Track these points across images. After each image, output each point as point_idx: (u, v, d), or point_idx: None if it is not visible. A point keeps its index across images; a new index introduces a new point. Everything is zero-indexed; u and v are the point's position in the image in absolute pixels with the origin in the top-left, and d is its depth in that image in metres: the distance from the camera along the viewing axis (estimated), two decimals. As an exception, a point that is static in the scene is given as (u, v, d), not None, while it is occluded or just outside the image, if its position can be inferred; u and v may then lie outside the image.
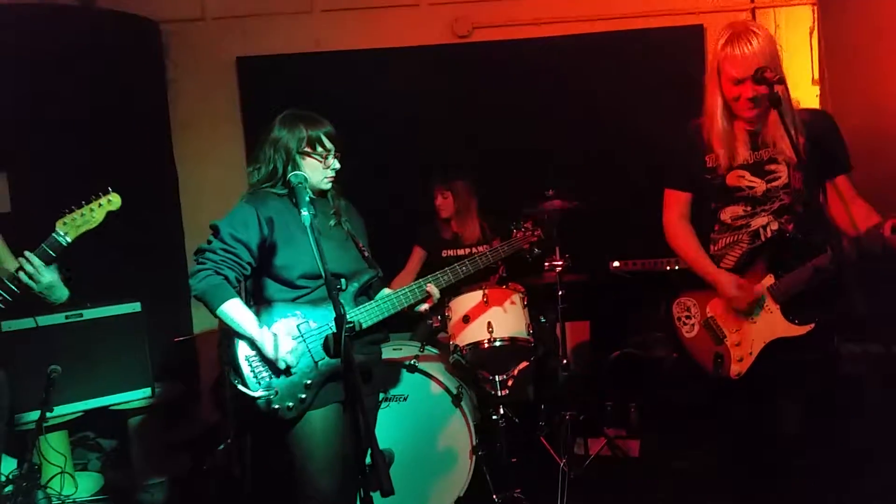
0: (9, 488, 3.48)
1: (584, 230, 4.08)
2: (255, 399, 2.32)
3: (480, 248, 4.07)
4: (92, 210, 2.44)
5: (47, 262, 2.38)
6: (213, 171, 4.88)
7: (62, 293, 2.51)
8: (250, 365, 2.35)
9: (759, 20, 4.60)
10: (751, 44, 2.31)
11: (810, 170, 2.36)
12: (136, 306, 3.82)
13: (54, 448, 3.72)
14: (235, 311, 2.35)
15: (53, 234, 2.38)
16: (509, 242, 2.97)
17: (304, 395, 2.36)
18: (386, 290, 2.62)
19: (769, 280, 2.47)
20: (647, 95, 4.51)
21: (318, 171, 2.46)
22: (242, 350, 2.36)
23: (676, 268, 4.00)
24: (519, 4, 4.84)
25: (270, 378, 2.35)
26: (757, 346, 2.46)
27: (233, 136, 4.90)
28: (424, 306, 2.60)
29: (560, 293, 3.69)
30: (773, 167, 2.45)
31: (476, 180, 4.24)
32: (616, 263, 4.23)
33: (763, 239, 2.49)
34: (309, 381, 2.37)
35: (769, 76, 2.26)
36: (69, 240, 2.40)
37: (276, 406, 2.32)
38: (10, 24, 4.13)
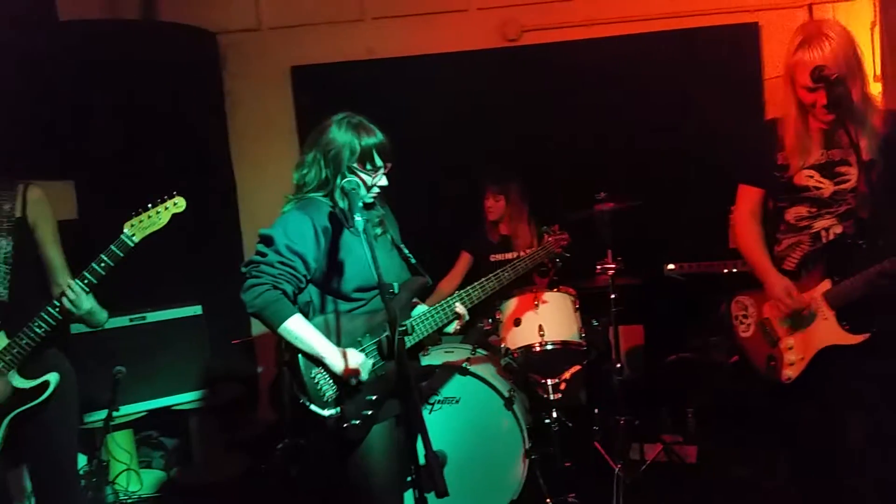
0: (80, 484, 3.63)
1: (638, 232, 4.04)
2: (323, 418, 2.24)
3: (529, 251, 4.07)
4: (158, 212, 2.49)
5: (115, 262, 2.45)
6: (269, 178, 4.97)
7: (102, 317, 2.57)
8: (316, 382, 2.26)
9: (815, 16, 4.48)
10: (822, 49, 2.25)
11: (883, 174, 2.29)
12: (196, 309, 3.93)
13: (121, 446, 3.85)
14: (300, 327, 2.24)
15: (121, 236, 2.45)
16: (542, 247, 3.02)
17: (369, 412, 2.28)
18: (421, 308, 2.51)
19: (826, 285, 2.39)
20: (702, 95, 4.45)
21: (362, 188, 2.34)
22: (307, 367, 2.26)
23: (734, 270, 3.93)
24: (569, 6, 4.82)
25: (336, 396, 2.27)
26: (809, 351, 2.39)
27: (288, 144, 5.00)
28: (455, 326, 2.51)
29: (613, 296, 3.66)
30: (843, 169, 2.39)
31: (527, 184, 4.24)
32: (671, 266, 4.16)
33: (824, 241, 2.42)
34: (374, 397, 2.29)
35: (827, 75, 2.21)
36: (136, 240, 2.46)
37: (345, 425, 2.25)
38: (76, 39, 4.30)
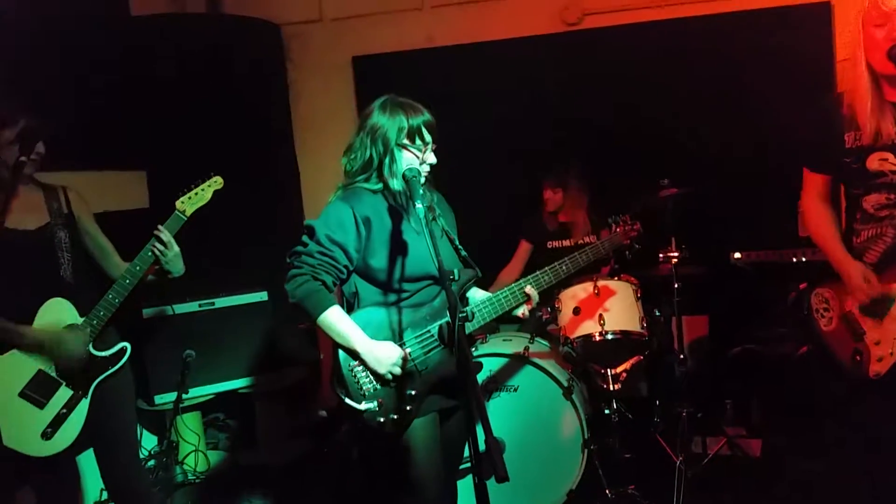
0: (151, 462, 3.78)
1: (703, 220, 3.95)
2: (361, 412, 2.22)
3: (588, 239, 4.03)
4: (203, 190, 2.80)
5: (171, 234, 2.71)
6: (332, 166, 5.00)
7: (181, 266, 2.79)
8: (355, 376, 2.24)
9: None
10: None
11: None
12: (262, 295, 4.02)
13: (189, 427, 3.98)
14: (337, 319, 2.22)
15: (175, 212, 2.74)
16: (609, 238, 2.89)
17: (408, 407, 2.25)
18: (481, 294, 2.49)
19: None
20: (772, 77, 4.30)
21: (414, 164, 2.29)
22: (345, 360, 2.25)
23: (804, 259, 3.79)
24: (632, -11, 4.72)
25: (375, 389, 2.25)
26: None
27: (349, 133, 5.02)
28: (524, 310, 2.48)
29: (676, 286, 3.59)
30: None
31: (588, 172, 4.18)
32: (737, 255, 4.02)
33: None
34: (413, 392, 2.26)
35: None
36: (187, 215, 2.75)
37: (382, 419, 2.23)
38: (144, 34, 4.45)
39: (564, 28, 4.82)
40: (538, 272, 2.56)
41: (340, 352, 2.26)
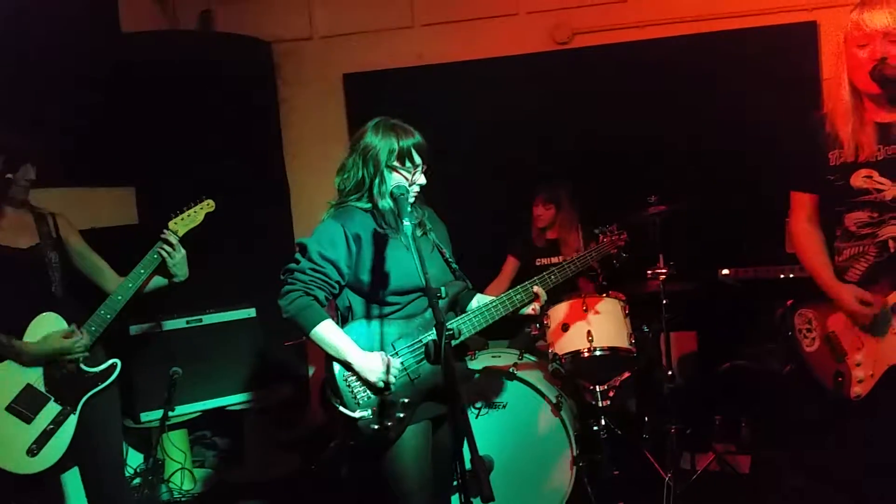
0: (136, 481, 3.75)
1: (691, 237, 3.97)
2: (355, 420, 2.29)
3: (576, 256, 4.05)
4: (195, 212, 2.87)
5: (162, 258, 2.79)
6: (322, 183, 5.00)
7: (186, 270, 2.88)
8: (349, 385, 2.32)
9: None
10: (885, 8, 2.13)
11: None
12: (250, 312, 4.02)
13: (176, 445, 3.96)
14: (330, 333, 2.31)
15: (168, 233, 2.80)
16: (597, 248, 2.94)
17: (402, 415, 2.32)
18: (485, 298, 2.56)
19: (894, 298, 2.26)
20: (758, 96, 4.33)
21: (403, 184, 2.37)
22: (339, 371, 2.32)
23: (791, 276, 3.82)
24: (620, 8, 4.75)
25: (369, 398, 2.31)
26: (879, 368, 2.27)
27: (340, 150, 4.96)
28: (534, 306, 2.53)
29: (664, 302, 3.60)
30: None
31: (578, 190, 4.21)
32: (725, 271, 4.05)
33: (892, 251, 2.28)
34: (406, 400, 2.33)
35: (888, 73, 2.12)
36: (179, 236, 2.81)
37: (376, 426, 2.30)
38: (134, 50, 4.45)
39: (555, 47, 4.86)
40: (546, 272, 2.62)
41: (335, 363, 2.33)
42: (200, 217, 2.88)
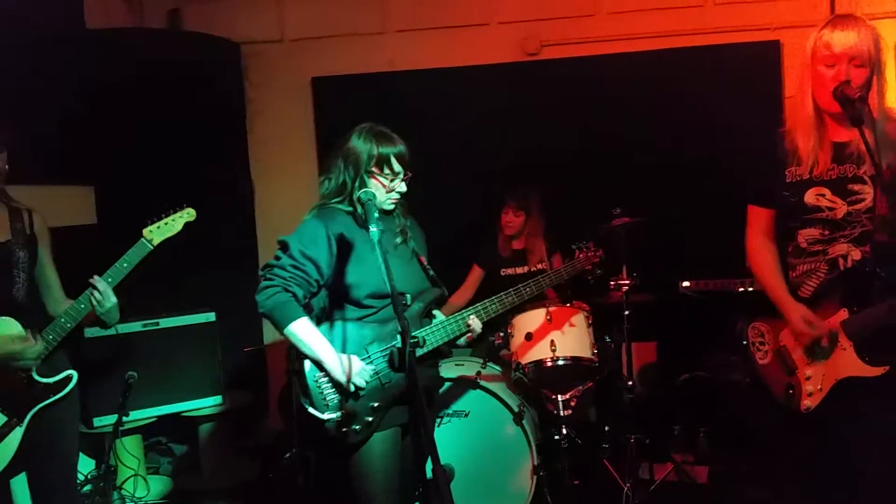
0: (87, 487, 3.65)
1: (653, 249, 4.01)
2: (323, 422, 2.30)
3: (541, 266, 4.07)
4: (174, 219, 2.71)
5: (134, 264, 2.61)
6: (287, 187, 5.02)
7: (117, 315, 2.70)
8: (319, 387, 2.32)
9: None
10: (849, 30, 2.17)
11: None
12: (210, 316, 3.93)
13: (129, 451, 3.86)
14: (304, 331, 2.31)
15: (141, 240, 2.64)
16: (572, 264, 2.97)
17: (370, 419, 2.33)
18: (440, 317, 2.57)
19: (843, 314, 2.30)
20: (721, 112, 4.40)
21: (381, 191, 2.41)
22: (311, 371, 2.33)
23: (750, 289, 3.88)
24: (590, 22, 4.81)
25: (338, 400, 2.32)
26: (827, 382, 2.31)
27: (307, 154, 5.03)
28: (465, 340, 2.55)
29: (626, 313, 3.63)
30: (857, 187, 2.27)
31: (545, 199, 4.23)
32: (686, 283, 4.11)
33: (841, 269, 2.32)
34: (376, 404, 2.34)
35: (850, 94, 2.16)
36: (154, 244, 2.65)
37: (345, 429, 2.30)
38: (102, 47, 4.37)
39: (524, 58, 4.90)
40: (486, 301, 2.61)
41: (306, 363, 2.34)
42: (179, 226, 2.72)
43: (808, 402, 2.35)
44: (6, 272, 2.53)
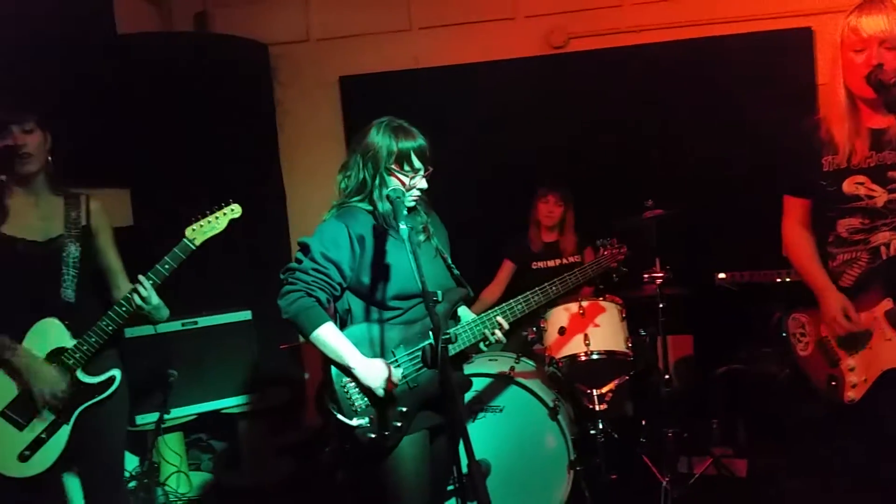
0: (132, 484, 3.73)
1: (687, 241, 3.97)
2: (352, 428, 2.24)
3: (573, 259, 4.06)
4: (217, 218, 2.63)
5: (177, 264, 2.58)
6: (318, 186, 5.03)
7: (165, 313, 2.70)
8: (346, 392, 2.27)
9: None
10: (880, 13, 2.13)
11: None
12: (246, 314, 3.99)
13: (171, 448, 3.93)
14: (330, 336, 2.24)
15: (183, 240, 2.60)
16: (597, 261, 2.92)
17: (399, 423, 2.27)
18: (465, 317, 2.49)
19: (887, 304, 2.25)
20: (754, 100, 4.35)
21: (400, 188, 2.30)
22: (337, 376, 2.27)
23: (787, 280, 3.83)
24: (616, 13, 4.78)
25: (366, 405, 2.27)
26: (872, 373, 2.26)
27: (337, 153, 5.05)
28: (494, 340, 2.43)
29: (661, 306, 3.60)
30: None
31: (574, 192, 4.21)
32: (722, 275, 4.07)
33: (883, 258, 2.28)
34: (404, 409, 2.28)
35: (885, 79, 2.11)
36: (196, 244, 2.61)
37: (373, 435, 2.25)
38: (133, 52, 4.44)
39: (550, 51, 4.87)
40: (512, 301, 2.53)
41: (333, 368, 2.28)
42: (223, 224, 2.63)
43: (851, 394, 2.30)
44: (55, 271, 2.52)
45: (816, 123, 2.37)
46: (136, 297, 2.53)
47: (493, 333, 2.42)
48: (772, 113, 4.18)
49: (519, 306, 2.52)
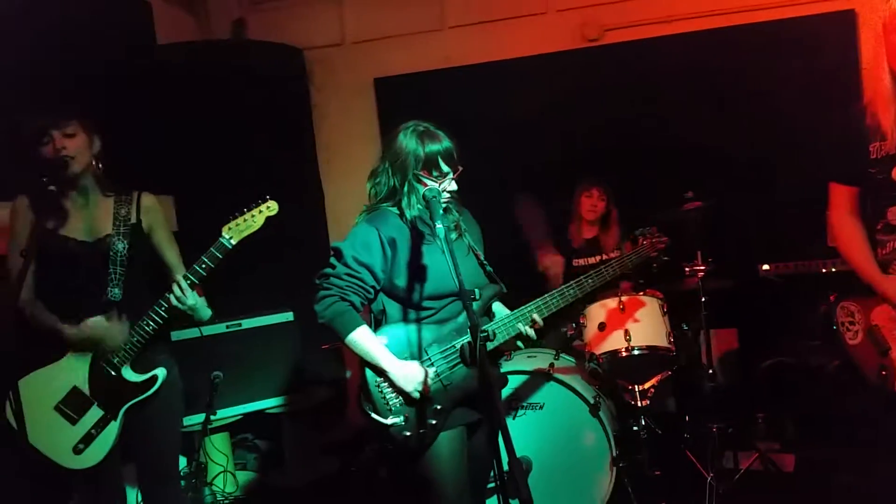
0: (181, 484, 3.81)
1: (729, 232, 3.91)
2: (387, 427, 2.28)
3: (614, 255, 4.01)
4: (253, 216, 2.63)
5: (214, 263, 2.59)
6: (356, 187, 5.05)
7: (207, 313, 2.74)
8: (381, 392, 2.30)
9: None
10: None
11: None
12: (288, 316, 4.05)
13: (218, 448, 4.01)
14: (365, 339, 2.30)
15: (220, 239, 2.61)
16: (637, 251, 2.85)
17: (434, 421, 2.30)
18: (500, 313, 2.49)
19: None
20: (796, 87, 4.25)
21: (435, 188, 2.32)
22: (371, 376, 2.32)
23: (833, 270, 3.74)
24: (650, 3, 4.71)
25: (401, 405, 2.30)
26: None
27: (372, 154, 5.02)
28: (530, 331, 2.41)
29: (703, 299, 3.55)
30: None
31: (614, 186, 4.18)
32: (766, 267, 3.99)
33: None
34: (438, 407, 2.31)
35: None
36: (233, 243, 2.61)
37: (408, 433, 2.28)
38: (171, 61, 4.54)
39: (585, 44, 4.83)
40: (546, 295, 2.50)
41: (367, 368, 2.32)
42: (260, 221, 2.62)
43: None
44: (102, 271, 2.58)
45: (862, 109, 2.31)
46: (171, 296, 2.57)
47: (528, 329, 2.41)
48: (814, 99, 4.09)
49: (554, 300, 2.50)
